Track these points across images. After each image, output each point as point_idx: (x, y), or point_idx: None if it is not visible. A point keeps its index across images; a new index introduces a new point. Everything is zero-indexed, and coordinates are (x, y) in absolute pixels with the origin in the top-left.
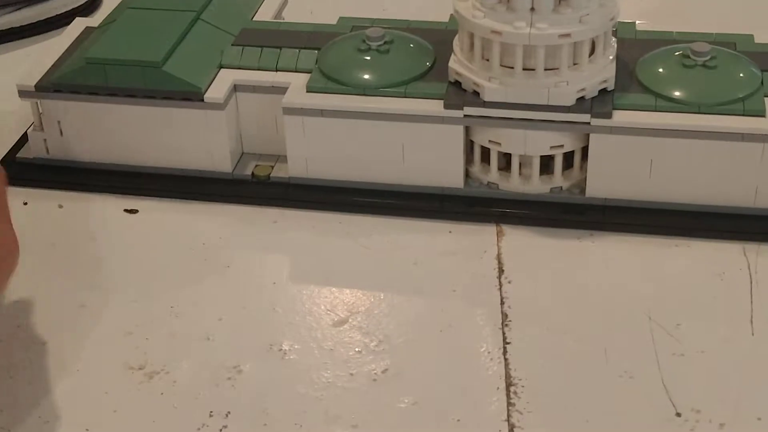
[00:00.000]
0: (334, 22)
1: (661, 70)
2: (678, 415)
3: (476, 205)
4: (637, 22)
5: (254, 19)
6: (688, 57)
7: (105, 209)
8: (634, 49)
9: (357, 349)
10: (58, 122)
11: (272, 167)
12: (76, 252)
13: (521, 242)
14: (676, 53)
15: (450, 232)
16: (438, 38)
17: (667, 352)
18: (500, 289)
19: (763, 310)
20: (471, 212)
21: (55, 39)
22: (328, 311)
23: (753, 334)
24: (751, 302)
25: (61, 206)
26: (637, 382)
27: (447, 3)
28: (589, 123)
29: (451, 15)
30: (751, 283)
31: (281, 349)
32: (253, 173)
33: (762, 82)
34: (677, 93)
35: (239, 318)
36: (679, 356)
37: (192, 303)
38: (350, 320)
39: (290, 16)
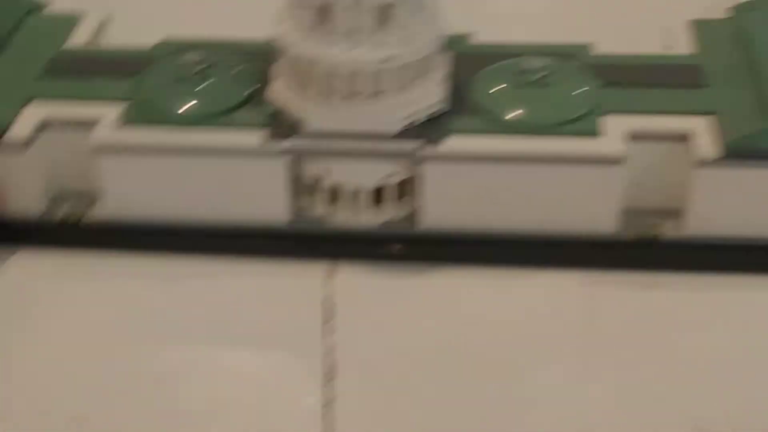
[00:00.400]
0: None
1: (494, 89)
2: None
3: (305, 242)
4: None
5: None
6: (522, 74)
7: None
8: (469, 65)
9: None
10: None
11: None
12: None
13: (352, 282)
14: (510, 70)
15: (274, 273)
16: (266, 60)
17: (513, 396)
18: (329, 337)
19: (601, 343)
20: (298, 251)
21: None
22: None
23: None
24: (590, 335)
25: None
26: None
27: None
28: (419, 152)
29: None
30: (589, 317)
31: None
32: (63, 217)
33: (597, 100)
34: (509, 117)
35: None
36: (528, 399)
37: None
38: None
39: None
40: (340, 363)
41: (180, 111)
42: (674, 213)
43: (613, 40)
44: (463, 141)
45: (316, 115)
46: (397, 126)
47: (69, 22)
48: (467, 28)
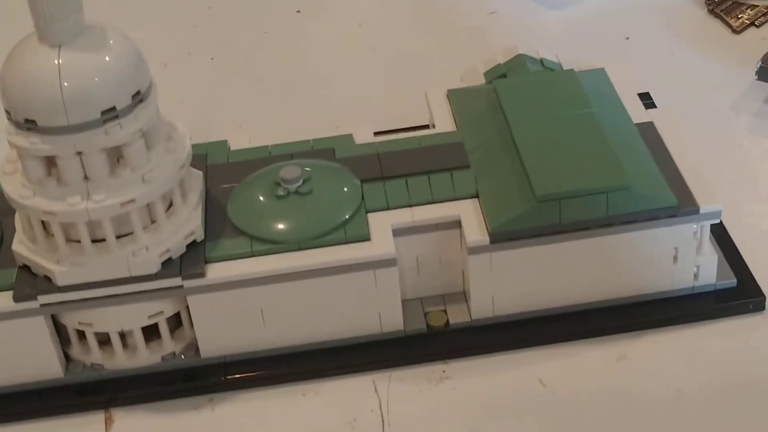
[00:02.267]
0: None
1: (253, 205)
2: None
3: (82, 393)
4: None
5: None
6: (279, 185)
7: None
8: (228, 177)
9: None
10: None
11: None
12: None
13: (132, 428)
14: (268, 182)
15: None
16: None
17: None
18: None
19: None
20: (77, 403)
21: None
22: None
23: None
24: None
25: None
26: None
27: None
28: (182, 286)
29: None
30: (383, 424)
31: None
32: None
33: (362, 197)
34: (272, 232)
35: None
36: None
37: None
38: None
39: None
40: None
41: None
42: (461, 297)
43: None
44: (228, 267)
45: (64, 269)
46: (155, 266)
47: None
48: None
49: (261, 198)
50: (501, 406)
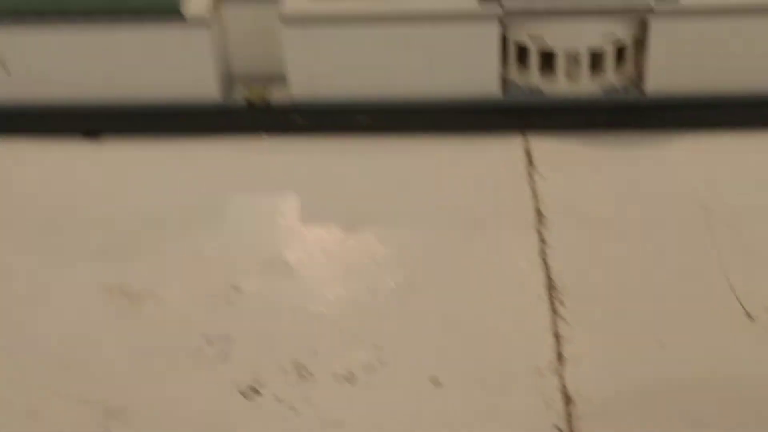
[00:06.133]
0: None
1: None
2: (749, 316)
3: (514, 115)
4: None
5: None
6: None
7: (73, 157)
8: None
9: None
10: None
11: (268, 90)
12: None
13: (566, 155)
14: None
15: (483, 150)
16: None
17: (729, 249)
18: (534, 188)
19: None
20: (508, 125)
21: None
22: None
23: None
24: None
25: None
26: (699, 282)
27: None
28: (652, 9)
29: None
30: None
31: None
32: (247, 98)
33: None
34: None
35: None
36: (744, 253)
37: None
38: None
39: None
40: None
41: None
42: None
43: None
44: None
45: None
46: None
47: None
48: None
49: None
50: None
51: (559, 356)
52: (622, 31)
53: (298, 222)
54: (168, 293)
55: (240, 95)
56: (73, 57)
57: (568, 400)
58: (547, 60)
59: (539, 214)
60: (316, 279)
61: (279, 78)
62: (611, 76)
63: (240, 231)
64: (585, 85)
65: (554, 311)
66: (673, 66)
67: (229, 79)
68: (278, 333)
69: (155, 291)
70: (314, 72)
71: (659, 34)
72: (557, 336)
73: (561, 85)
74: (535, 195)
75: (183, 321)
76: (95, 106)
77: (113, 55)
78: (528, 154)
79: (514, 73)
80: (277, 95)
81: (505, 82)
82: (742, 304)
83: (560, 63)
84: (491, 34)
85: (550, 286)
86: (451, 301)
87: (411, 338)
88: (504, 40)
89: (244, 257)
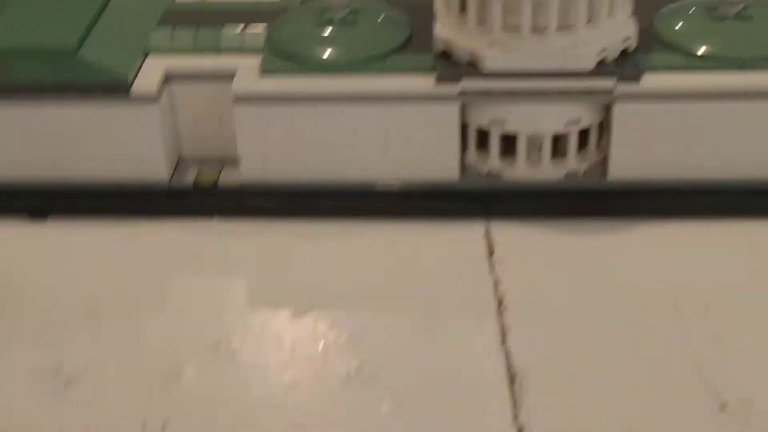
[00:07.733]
0: None
1: (685, 24)
2: (720, 407)
3: (474, 200)
4: None
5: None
6: (715, 9)
7: (14, 237)
8: (644, 2)
9: (324, 345)
10: None
11: (218, 172)
12: None
13: (528, 242)
14: (698, 7)
15: (441, 236)
16: (410, 4)
17: (698, 338)
18: (494, 275)
19: None
20: (468, 210)
21: None
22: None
23: None
24: None
25: None
26: (668, 372)
27: None
28: (612, 91)
29: None
30: None
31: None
32: (195, 181)
33: None
34: (712, 49)
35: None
36: (713, 342)
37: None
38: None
39: None
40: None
41: (332, 56)
42: None
43: None
44: (664, 77)
45: (496, 53)
46: (591, 62)
47: None
48: None
49: (694, 19)
50: None
51: None
52: (585, 114)
53: (246, 306)
54: (105, 377)
55: (190, 177)
56: (18, 135)
57: None
58: (508, 144)
59: (500, 302)
60: (260, 365)
61: (232, 159)
62: (573, 162)
63: (184, 315)
64: (546, 171)
65: (515, 403)
66: (637, 151)
67: (178, 160)
68: (219, 420)
69: (92, 375)
70: (267, 153)
71: (622, 118)
72: (520, 429)
73: (522, 170)
74: (495, 282)
75: (119, 405)
76: (40, 185)
77: (59, 133)
78: (488, 240)
79: (473, 157)
80: (229, 177)
81: (464, 166)
82: (712, 394)
83: (521, 147)
84: (451, 115)
85: (511, 376)
86: (405, 390)
87: (360, 429)
88: (464, 125)
89: (187, 341)
